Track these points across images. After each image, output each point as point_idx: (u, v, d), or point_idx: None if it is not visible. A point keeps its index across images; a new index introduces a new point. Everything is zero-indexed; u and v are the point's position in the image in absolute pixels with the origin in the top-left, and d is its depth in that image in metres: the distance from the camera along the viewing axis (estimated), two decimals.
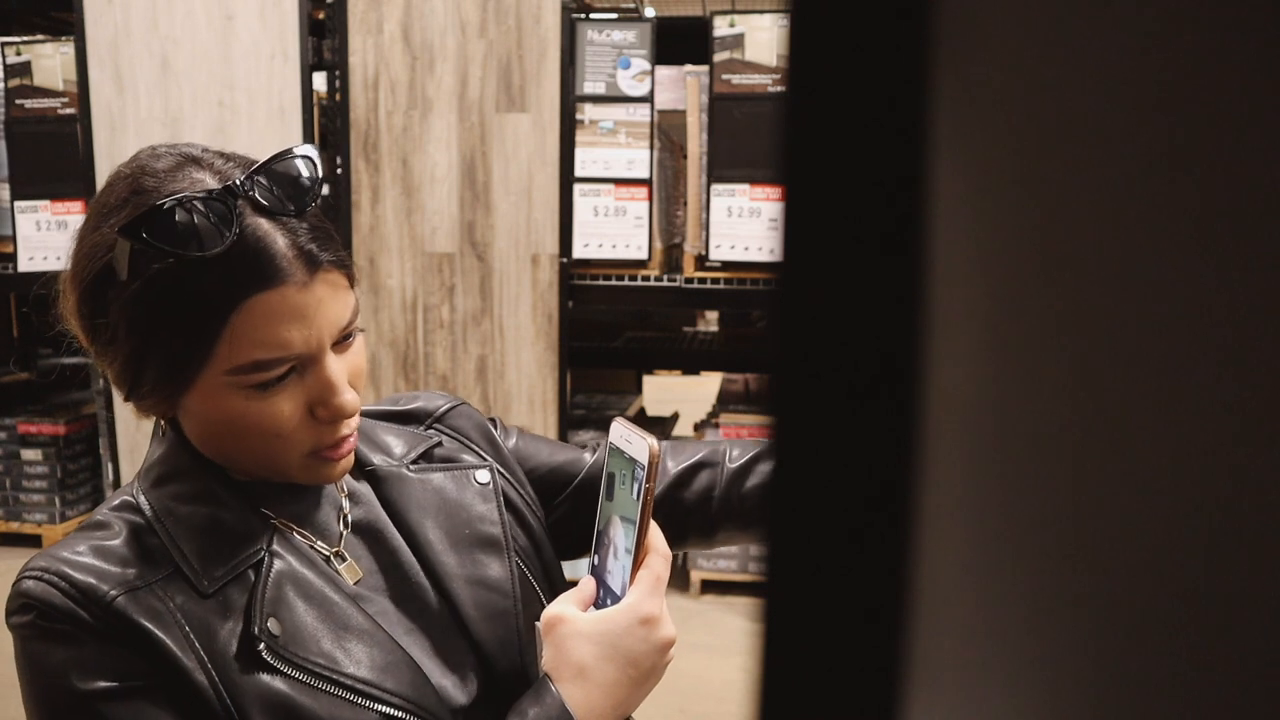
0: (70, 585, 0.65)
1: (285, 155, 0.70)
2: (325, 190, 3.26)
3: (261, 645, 0.66)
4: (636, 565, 0.71)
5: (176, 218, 0.64)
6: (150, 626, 0.65)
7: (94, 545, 0.69)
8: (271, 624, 0.68)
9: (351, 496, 0.80)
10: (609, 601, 0.73)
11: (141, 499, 0.72)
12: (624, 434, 0.73)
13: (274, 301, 0.66)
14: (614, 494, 0.75)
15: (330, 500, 0.78)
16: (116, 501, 0.73)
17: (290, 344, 0.67)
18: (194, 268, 0.64)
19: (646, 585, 0.70)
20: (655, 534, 0.73)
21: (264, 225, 0.66)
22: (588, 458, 0.96)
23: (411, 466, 0.83)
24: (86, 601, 0.65)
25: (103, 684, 0.64)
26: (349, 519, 0.78)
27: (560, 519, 0.91)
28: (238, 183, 0.66)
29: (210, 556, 0.69)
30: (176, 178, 0.67)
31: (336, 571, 0.75)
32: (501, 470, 0.86)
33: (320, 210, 0.72)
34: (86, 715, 0.64)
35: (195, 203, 0.64)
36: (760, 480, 0.90)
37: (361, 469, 0.82)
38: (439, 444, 0.86)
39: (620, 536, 0.73)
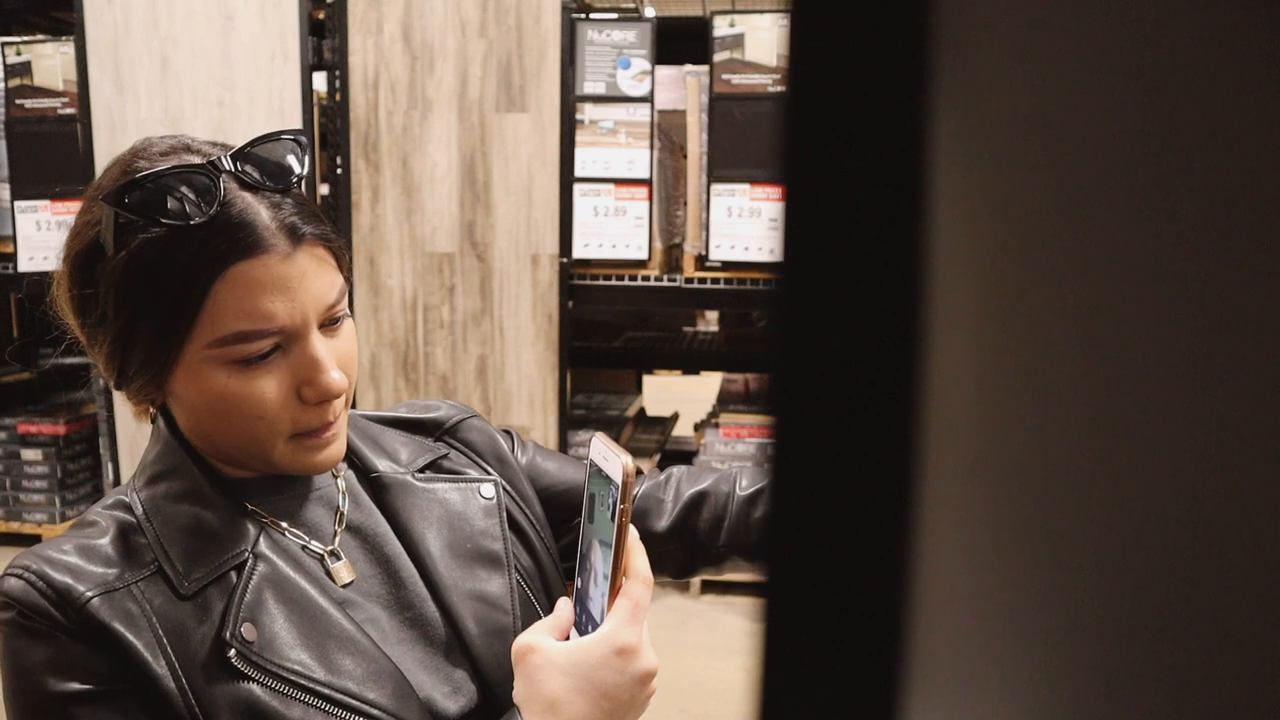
0: (48, 585, 0.65)
1: (271, 137, 0.71)
2: (325, 190, 3.26)
3: (232, 651, 0.65)
4: (615, 591, 0.67)
5: (160, 188, 0.65)
6: (121, 630, 0.65)
7: (79, 544, 0.68)
8: (246, 629, 0.66)
9: (352, 497, 0.79)
10: (590, 629, 0.70)
11: (134, 497, 0.72)
12: (602, 452, 0.70)
13: (256, 270, 0.66)
14: (594, 516, 0.71)
15: (325, 500, 0.77)
16: (110, 500, 0.73)
17: (273, 315, 0.67)
18: (177, 238, 0.65)
19: (623, 613, 0.67)
20: (638, 557, 0.69)
21: (247, 198, 0.67)
22: None
23: (417, 475, 0.82)
24: (61, 602, 0.65)
25: (76, 686, 0.64)
26: (345, 518, 0.77)
27: (574, 541, 0.88)
28: (222, 159, 0.68)
29: (193, 557, 0.69)
30: (169, 159, 0.68)
31: (328, 572, 0.74)
32: (508, 488, 0.85)
33: (308, 196, 0.73)
34: (57, 716, 0.64)
35: (179, 175, 0.66)
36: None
37: (366, 475, 0.81)
38: (446, 455, 0.85)
39: (599, 561, 0.69)
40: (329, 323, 0.71)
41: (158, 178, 0.66)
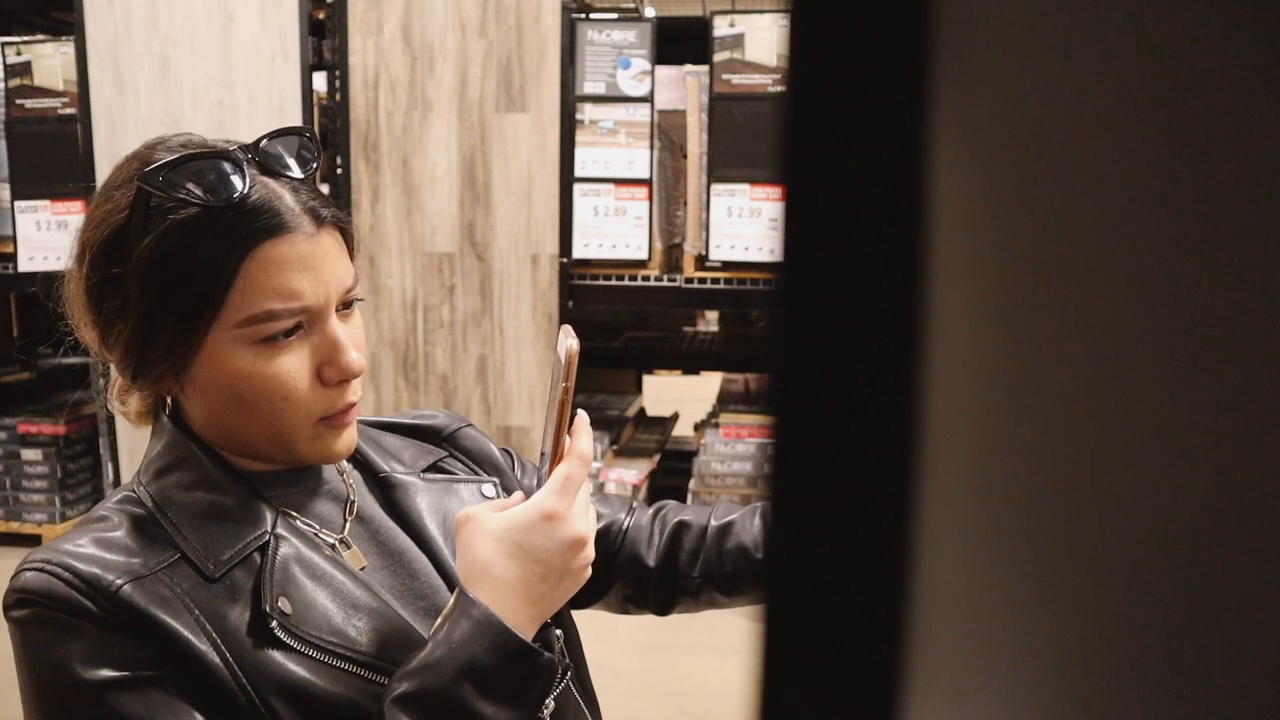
0: (74, 575, 0.65)
1: (282, 131, 0.74)
2: (325, 190, 3.26)
3: (274, 623, 0.67)
4: (553, 465, 0.71)
5: (190, 171, 0.68)
6: (159, 614, 0.65)
7: (96, 537, 0.68)
8: (282, 603, 0.68)
9: (359, 495, 0.81)
10: None
11: (142, 492, 0.73)
12: (562, 340, 0.73)
13: (284, 249, 0.68)
14: (548, 400, 0.75)
15: (334, 495, 0.79)
16: (118, 497, 0.74)
17: (300, 293, 0.69)
18: (206, 220, 0.67)
19: (554, 484, 0.70)
20: (583, 437, 0.73)
21: (270, 183, 0.70)
22: (623, 519, 0.95)
23: (423, 475, 0.84)
24: (92, 592, 0.64)
25: (110, 673, 0.63)
26: (356, 509, 0.79)
27: None
28: (244, 147, 0.71)
29: (215, 541, 0.70)
30: (188, 151, 0.70)
31: (340, 557, 0.75)
32: (505, 492, 0.87)
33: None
34: (94, 706, 0.63)
35: (208, 160, 0.68)
36: (738, 541, 0.90)
37: (374, 476, 0.83)
38: (446, 458, 0.88)
39: (544, 440, 0.74)
40: (343, 306, 0.73)
41: (189, 161, 0.68)
